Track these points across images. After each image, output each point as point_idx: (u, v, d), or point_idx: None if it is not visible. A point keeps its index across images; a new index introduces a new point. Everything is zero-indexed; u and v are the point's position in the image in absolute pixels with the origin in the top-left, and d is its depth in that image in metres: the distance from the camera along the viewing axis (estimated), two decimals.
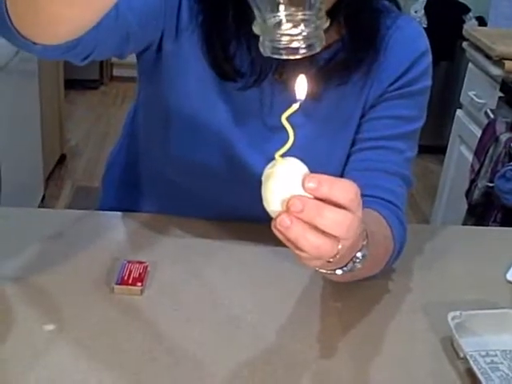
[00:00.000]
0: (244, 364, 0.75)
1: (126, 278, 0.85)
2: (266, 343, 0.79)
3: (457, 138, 2.51)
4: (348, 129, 0.93)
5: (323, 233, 0.55)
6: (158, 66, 0.90)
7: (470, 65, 2.46)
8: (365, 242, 0.69)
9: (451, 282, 0.94)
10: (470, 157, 2.25)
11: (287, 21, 0.50)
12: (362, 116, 0.93)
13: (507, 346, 0.81)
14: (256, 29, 0.51)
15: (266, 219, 0.97)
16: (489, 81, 2.25)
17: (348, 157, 0.93)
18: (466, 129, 2.43)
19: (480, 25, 3.42)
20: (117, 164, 1.11)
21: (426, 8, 3.54)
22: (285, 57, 0.51)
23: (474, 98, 2.33)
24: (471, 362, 0.75)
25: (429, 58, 0.92)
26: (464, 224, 2.13)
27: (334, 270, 0.70)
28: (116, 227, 1.02)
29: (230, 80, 0.88)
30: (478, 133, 2.17)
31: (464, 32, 2.52)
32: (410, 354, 0.79)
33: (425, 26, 3.38)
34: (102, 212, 1.06)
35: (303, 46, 0.50)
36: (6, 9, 0.62)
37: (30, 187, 2.67)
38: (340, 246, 0.57)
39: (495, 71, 2.17)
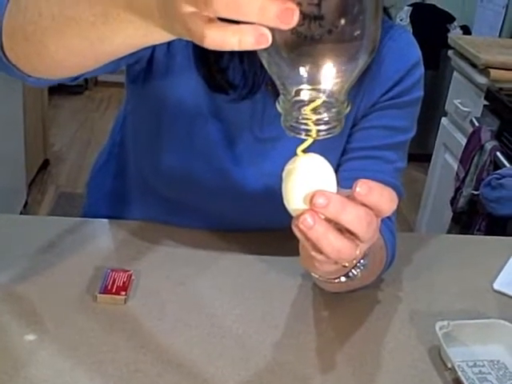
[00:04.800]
0: (230, 375, 0.74)
1: (109, 286, 0.84)
2: (253, 353, 0.77)
3: (442, 146, 2.52)
4: (339, 138, 0.93)
5: (345, 236, 0.53)
6: (149, 77, 0.89)
7: (455, 73, 2.47)
8: (367, 250, 0.68)
9: (439, 292, 0.93)
10: (454, 165, 2.26)
11: (309, 103, 0.50)
12: (353, 125, 0.92)
13: (495, 356, 0.81)
14: (279, 106, 0.51)
15: (254, 229, 0.98)
16: (474, 89, 2.26)
17: (338, 166, 0.93)
18: (450, 137, 2.44)
19: (464, 33, 3.44)
20: (104, 171, 1.09)
21: (411, 16, 3.55)
22: (303, 137, 0.51)
23: (459, 106, 2.34)
24: (459, 373, 0.75)
25: (421, 69, 0.92)
26: (449, 232, 2.14)
27: (338, 277, 0.69)
28: (101, 235, 1.00)
29: (222, 92, 0.87)
30: (463, 141, 2.18)
31: (449, 40, 2.53)
32: (398, 363, 0.79)
33: None
34: (86, 219, 1.04)
35: (323, 129, 0.50)
36: (1, 46, 0.62)
37: (13, 192, 2.64)
38: (358, 252, 0.56)
39: (480, 80, 2.19)
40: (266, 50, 0.45)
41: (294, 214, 0.54)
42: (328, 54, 0.48)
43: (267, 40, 0.43)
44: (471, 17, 3.44)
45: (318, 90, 0.50)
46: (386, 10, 0.93)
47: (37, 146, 3.03)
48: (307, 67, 0.48)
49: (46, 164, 3.24)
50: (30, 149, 2.79)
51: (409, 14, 3.56)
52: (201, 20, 0.44)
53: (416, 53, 0.93)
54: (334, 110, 0.50)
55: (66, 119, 3.96)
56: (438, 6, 3.61)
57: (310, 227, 0.52)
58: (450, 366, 0.77)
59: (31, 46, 0.60)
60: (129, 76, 0.94)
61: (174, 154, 0.92)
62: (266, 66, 0.50)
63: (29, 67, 0.65)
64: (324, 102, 0.50)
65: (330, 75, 0.49)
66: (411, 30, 3.47)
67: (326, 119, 0.50)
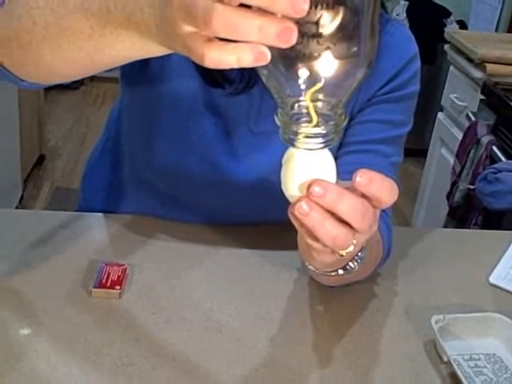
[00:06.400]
0: (225, 369, 0.73)
1: (104, 281, 0.83)
2: (248, 347, 0.77)
3: (438, 140, 2.52)
4: None
5: (341, 223, 0.53)
6: (144, 71, 0.89)
7: (451, 68, 2.47)
8: (365, 243, 0.68)
9: (434, 286, 0.93)
10: (450, 159, 2.26)
11: (306, 115, 0.50)
12: (350, 119, 0.92)
13: (491, 349, 0.81)
14: (277, 119, 0.52)
15: (249, 222, 0.98)
16: (470, 83, 2.26)
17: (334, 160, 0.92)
18: (447, 131, 2.44)
19: (461, 28, 3.44)
20: (98, 166, 1.09)
21: (407, 11, 3.55)
22: (303, 149, 0.52)
23: (456, 100, 2.34)
24: (455, 366, 0.75)
25: (417, 63, 0.92)
26: (445, 226, 2.14)
27: (335, 270, 0.69)
28: (95, 229, 1.00)
29: (218, 87, 0.87)
30: (459, 135, 2.18)
31: (446, 35, 2.53)
32: (394, 357, 0.78)
33: None
34: (81, 213, 1.03)
35: (321, 141, 0.51)
36: None
37: (8, 188, 2.63)
38: (355, 241, 0.55)
39: (476, 74, 2.18)
40: (265, 66, 0.46)
41: (291, 200, 0.54)
42: (326, 71, 0.48)
43: (266, 58, 0.44)
44: (467, 11, 3.44)
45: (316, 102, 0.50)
46: (383, 5, 0.92)
47: (32, 142, 3.02)
48: (305, 82, 0.49)
49: (41, 159, 3.23)
50: (25, 144, 2.78)
51: (405, 9, 3.55)
52: (200, 39, 0.44)
53: (413, 47, 0.92)
54: (331, 122, 0.51)
55: (62, 114, 3.95)
56: (434, 0, 3.60)
57: (306, 214, 0.51)
58: (445, 359, 0.77)
59: (26, 54, 0.60)
60: (123, 71, 0.93)
61: (169, 148, 0.91)
62: (264, 80, 0.51)
63: (23, 73, 0.65)
64: (321, 113, 0.50)
65: (327, 90, 0.49)
66: (407, 25, 3.47)
67: (324, 132, 0.51)
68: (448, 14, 3.54)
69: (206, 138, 0.90)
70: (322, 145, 0.51)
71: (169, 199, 0.98)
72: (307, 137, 0.51)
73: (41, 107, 3.14)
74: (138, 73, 0.90)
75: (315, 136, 0.51)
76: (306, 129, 0.50)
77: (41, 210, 2.53)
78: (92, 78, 4.52)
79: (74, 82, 4.29)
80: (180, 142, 0.90)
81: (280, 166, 0.54)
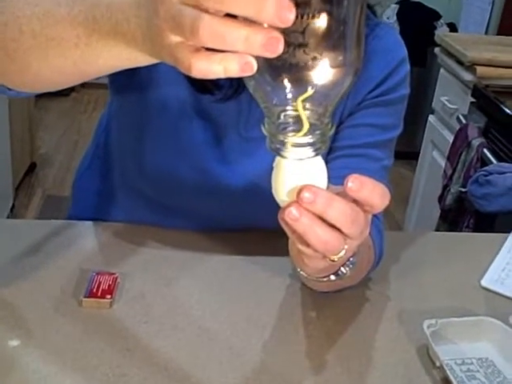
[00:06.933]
0: (217, 377, 0.73)
1: (94, 290, 0.83)
2: (240, 355, 0.77)
3: (429, 143, 2.52)
4: None
5: (332, 228, 0.53)
6: (132, 78, 0.88)
7: (441, 70, 2.47)
8: (356, 248, 0.68)
9: (426, 290, 0.93)
10: (442, 162, 2.26)
11: (293, 125, 0.50)
12: (340, 124, 0.92)
13: (483, 353, 0.80)
14: (264, 129, 0.52)
15: (241, 228, 0.97)
16: (461, 86, 2.27)
17: None
18: (438, 134, 2.44)
19: (451, 31, 3.45)
20: (88, 174, 1.08)
21: (397, 14, 3.56)
22: (290, 159, 0.51)
23: (446, 103, 2.35)
24: (447, 371, 0.74)
25: (407, 67, 0.92)
26: (437, 229, 2.14)
27: (327, 275, 0.69)
28: (86, 237, 0.99)
29: (207, 93, 0.87)
30: (451, 138, 2.18)
31: (436, 38, 2.54)
32: (386, 362, 0.78)
33: None
34: (71, 222, 1.03)
35: (308, 150, 0.51)
36: None
37: None
38: (346, 246, 0.55)
39: (467, 77, 2.19)
40: (251, 76, 0.46)
41: (281, 204, 0.54)
42: (312, 80, 0.48)
43: (252, 68, 0.44)
44: (457, 14, 3.45)
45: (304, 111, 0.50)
46: (371, 8, 0.92)
47: (23, 149, 3.01)
48: (292, 92, 0.49)
49: (32, 167, 3.21)
50: (16, 152, 2.77)
51: (395, 12, 3.56)
52: (187, 50, 0.44)
53: (402, 50, 0.93)
54: (318, 132, 0.51)
55: (53, 121, 3.94)
56: (425, 3, 3.62)
57: (296, 219, 0.51)
58: (438, 364, 0.77)
59: (13, 63, 0.60)
60: (112, 77, 0.93)
61: (158, 154, 0.91)
62: (251, 90, 0.51)
63: (6, 81, 0.65)
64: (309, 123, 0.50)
65: (314, 100, 0.49)
66: (398, 28, 3.48)
67: (311, 141, 0.50)
68: (438, 16, 3.55)
69: (195, 143, 0.89)
70: (309, 154, 0.51)
71: (159, 206, 0.98)
72: (294, 146, 0.50)
73: (31, 114, 3.12)
74: (127, 79, 0.89)
75: (302, 145, 0.50)
76: (292, 138, 0.50)
77: (31, 220, 2.52)
78: (83, 85, 4.50)
79: (65, 89, 4.28)
80: (170, 148, 0.90)
81: (271, 171, 0.54)
